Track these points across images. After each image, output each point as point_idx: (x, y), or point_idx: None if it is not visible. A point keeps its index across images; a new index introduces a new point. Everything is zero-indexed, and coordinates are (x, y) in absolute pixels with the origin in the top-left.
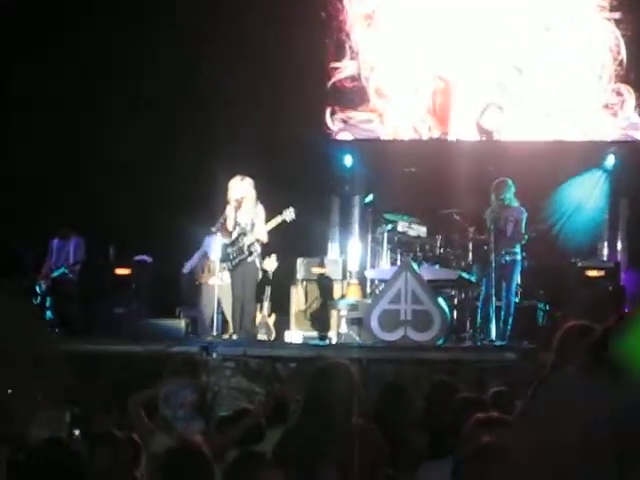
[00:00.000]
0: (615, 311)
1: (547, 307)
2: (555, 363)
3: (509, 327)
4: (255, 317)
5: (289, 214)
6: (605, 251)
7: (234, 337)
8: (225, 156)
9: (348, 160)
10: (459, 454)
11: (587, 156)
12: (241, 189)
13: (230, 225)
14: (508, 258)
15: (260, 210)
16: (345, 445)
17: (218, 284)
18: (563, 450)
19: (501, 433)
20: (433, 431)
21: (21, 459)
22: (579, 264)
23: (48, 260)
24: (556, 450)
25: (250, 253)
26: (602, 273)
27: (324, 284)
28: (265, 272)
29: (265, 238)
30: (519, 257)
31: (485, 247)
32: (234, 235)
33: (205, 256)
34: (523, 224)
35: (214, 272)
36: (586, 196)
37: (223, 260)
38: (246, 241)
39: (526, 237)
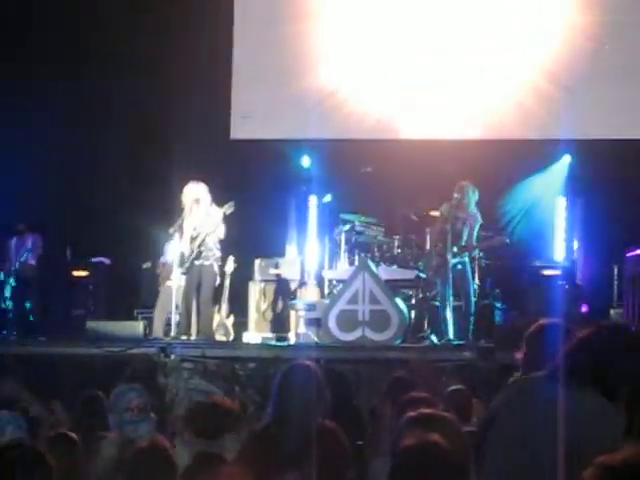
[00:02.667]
0: (571, 310)
1: (504, 306)
2: (525, 362)
3: (470, 327)
4: (213, 319)
5: (228, 207)
6: (561, 250)
7: (192, 339)
8: (180, 157)
9: (306, 161)
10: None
11: (543, 155)
12: (195, 193)
13: (185, 228)
14: (458, 263)
15: (214, 211)
16: (310, 446)
17: (176, 286)
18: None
19: (434, 430)
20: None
21: None
22: (535, 263)
23: (8, 257)
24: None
25: (204, 255)
26: (558, 272)
27: (282, 285)
28: (223, 274)
29: (222, 234)
30: (467, 260)
31: (440, 245)
32: (189, 238)
33: (166, 261)
34: (475, 232)
35: (170, 275)
36: (542, 195)
37: (180, 263)
38: (201, 244)
39: (476, 251)
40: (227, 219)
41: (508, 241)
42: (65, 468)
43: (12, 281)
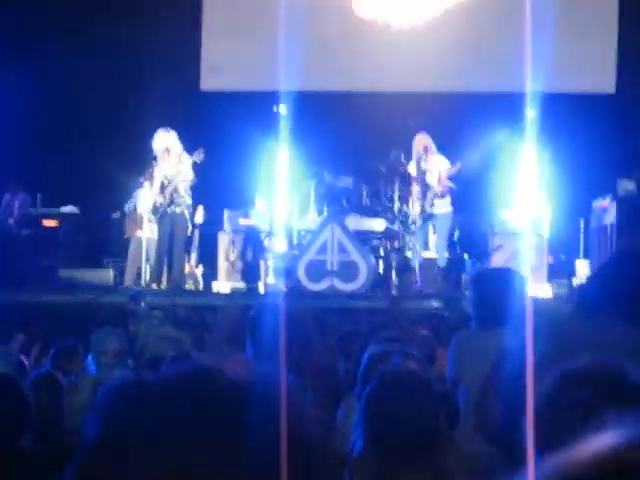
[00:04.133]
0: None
1: (472, 259)
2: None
3: (439, 278)
4: (184, 267)
5: (197, 155)
6: (526, 202)
7: (162, 287)
8: (151, 106)
9: (283, 109)
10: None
11: (508, 108)
12: (165, 141)
13: (156, 176)
14: (436, 210)
15: (185, 159)
16: None
17: (147, 236)
18: None
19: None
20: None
21: None
22: (501, 215)
23: None
24: None
25: (175, 202)
26: (525, 222)
27: (251, 235)
28: (193, 224)
29: (191, 181)
30: (448, 209)
31: (411, 199)
32: (160, 186)
33: (134, 209)
34: (445, 175)
35: (141, 224)
36: (504, 147)
37: (152, 211)
38: (173, 191)
39: (450, 186)
40: (196, 168)
41: (460, 165)
42: (48, 406)
43: None
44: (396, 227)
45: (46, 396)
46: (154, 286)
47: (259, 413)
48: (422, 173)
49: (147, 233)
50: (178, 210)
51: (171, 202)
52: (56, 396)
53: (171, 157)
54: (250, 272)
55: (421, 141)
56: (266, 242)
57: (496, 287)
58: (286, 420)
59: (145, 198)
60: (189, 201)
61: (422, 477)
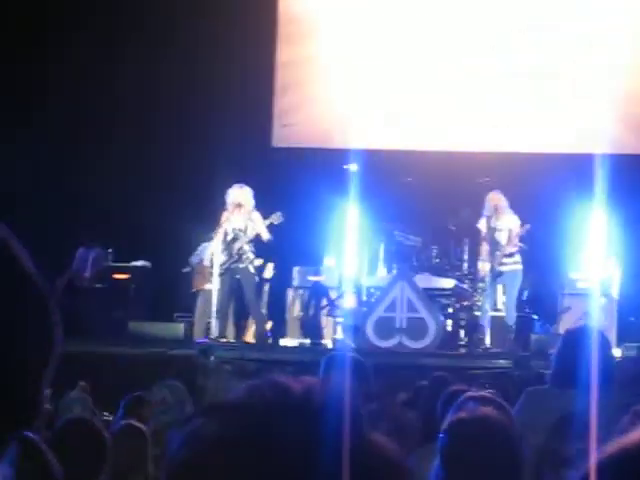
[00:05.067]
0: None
1: (540, 319)
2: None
3: (507, 336)
4: (265, 322)
5: (276, 218)
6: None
7: (231, 341)
8: (223, 162)
9: (353, 167)
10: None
11: (578, 169)
12: (239, 196)
13: (225, 231)
14: (505, 268)
15: (256, 217)
16: None
17: (215, 289)
18: None
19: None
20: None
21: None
22: (571, 275)
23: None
24: None
25: (242, 259)
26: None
27: (316, 290)
28: (262, 280)
29: (265, 239)
30: (518, 267)
31: (481, 257)
32: (226, 240)
33: (201, 262)
34: (516, 234)
35: (209, 278)
36: (574, 207)
37: (217, 265)
38: (240, 248)
39: (520, 245)
40: (270, 227)
41: (529, 226)
42: (132, 456)
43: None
44: (465, 285)
45: (130, 445)
46: (223, 340)
47: (328, 430)
48: (492, 231)
49: (215, 286)
50: (242, 266)
51: (238, 258)
52: (141, 446)
53: (242, 213)
54: (312, 327)
55: (494, 199)
56: (335, 299)
57: (581, 347)
58: (352, 439)
59: (212, 251)
60: (252, 256)
61: None
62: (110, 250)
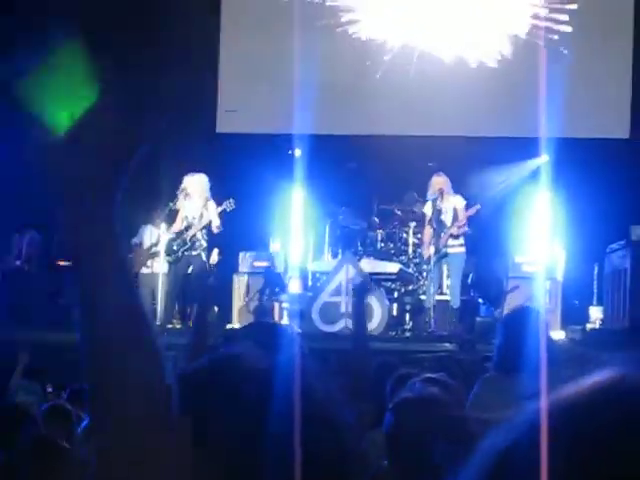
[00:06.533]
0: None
1: (485, 302)
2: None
3: (452, 320)
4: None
5: (229, 205)
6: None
7: (177, 327)
8: (166, 148)
9: (298, 152)
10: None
11: (521, 153)
12: (194, 184)
13: (178, 218)
14: (450, 250)
15: (211, 205)
16: None
17: (151, 273)
18: None
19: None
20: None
21: None
22: (516, 259)
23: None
24: None
25: (195, 247)
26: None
27: (266, 277)
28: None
29: (216, 228)
30: (462, 250)
31: (426, 241)
32: (180, 228)
33: (139, 245)
34: (463, 213)
35: (145, 260)
36: (517, 190)
37: (168, 252)
38: (193, 235)
39: (465, 229)
40: (223, 212)
41: (479, 206)
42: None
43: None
44: (410, 270)
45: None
46: (169, 326)
47: (278, 394)
48: (438, 213)
49: (160, 270)
50: (194, 253)
51: (191, 245)
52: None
53: (197, 201)
54: (263, 314)
55: (438, 182)
56: (282, 283)
57: (520, 330)
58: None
59: (155, 236)
60: (205, 244)
61: None
62: (55, 237)
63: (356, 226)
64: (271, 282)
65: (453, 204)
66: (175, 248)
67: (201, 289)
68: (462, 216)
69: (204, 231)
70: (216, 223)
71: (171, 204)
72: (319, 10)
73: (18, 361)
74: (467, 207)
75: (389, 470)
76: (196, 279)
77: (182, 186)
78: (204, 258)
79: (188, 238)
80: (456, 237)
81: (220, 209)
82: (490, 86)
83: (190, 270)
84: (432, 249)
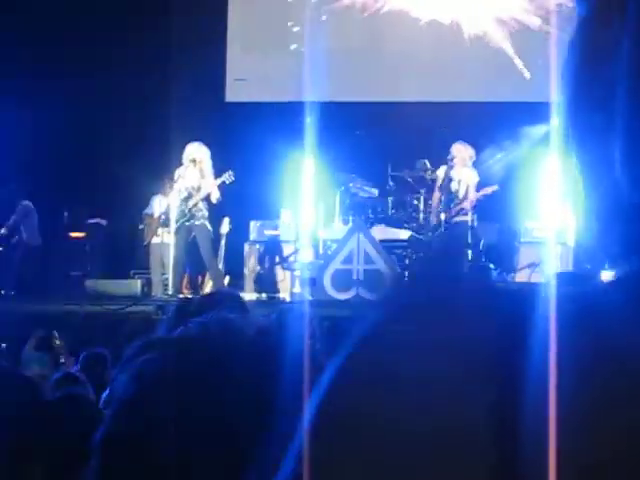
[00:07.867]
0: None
1: (497, 268)
2: None
3: None
4: (222, 277)
5: (228, 177)
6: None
7: (188, 297)
8: (176, 117)
9: (308, 120)
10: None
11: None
12: (194, 153)
13: (177, 186)
14: (460, 220)
15: (209, 176)
16: None
17: (161, 242)
18: None
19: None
20: None
21: None
22: (527, 224)
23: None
24: None
25: (196, 216)
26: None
27: (271, 245)
28: (219, 235)
29: (215, 199)
30: (469, 219)
31: (437, 208)
32: (180, 197)
33: (150, 215)
34: (473, 189)
35: (157, 231)
36: (530, 155)
37: (176, 220)
38: (193, 205)
39: (476, 201)
40: (223, 184)
41: (497, 187)
42: None
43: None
44: (422, 236)
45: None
46: (180, 295)
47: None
48: (449, 180)
49: (168, 240)
50: (197, 223)
51: (192, 215)
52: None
53: (196, 170)
54: (269, 282)
55: (458, 149)
56: (293, 252)
57: None
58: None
59: (164, 205)
60: (206, 213)
61: None
62: (65, 212)
63: (366, 193)
64: (279, 250)
65: (465, 175)
66: (177, 218)
67: None
68: (473, 195)
69: (205, 201)
70: (216, 195)
71: (177, 173)
72: None
73: (31, 334)
74: (479, 185)
75: None
76: (201, 249)
77: (183, 155)
78: (208, 227)
79: (188, 208)
80: (465, 213)
81: (219, 181)
82: (500, 51)
83: (196, 239)
84: (442, 217)
